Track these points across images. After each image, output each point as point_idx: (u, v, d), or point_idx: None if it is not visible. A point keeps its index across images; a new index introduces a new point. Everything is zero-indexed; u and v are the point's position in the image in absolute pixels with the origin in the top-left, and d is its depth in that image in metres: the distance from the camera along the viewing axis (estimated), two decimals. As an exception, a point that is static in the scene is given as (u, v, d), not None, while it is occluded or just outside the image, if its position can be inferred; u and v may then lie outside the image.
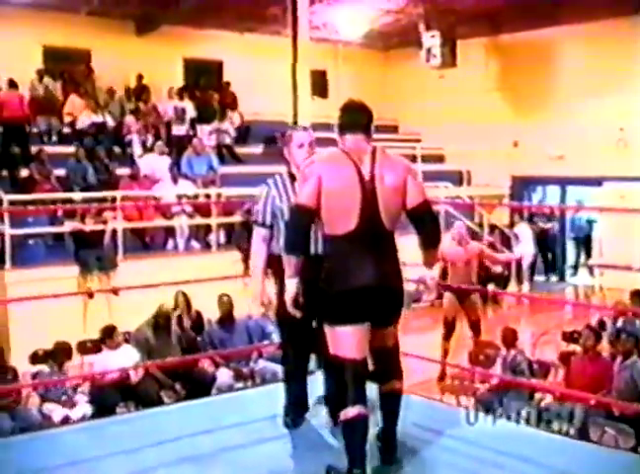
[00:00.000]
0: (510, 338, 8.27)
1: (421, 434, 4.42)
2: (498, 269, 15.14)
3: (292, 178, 4.38)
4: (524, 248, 15.34)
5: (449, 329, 9.69)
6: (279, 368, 8.66)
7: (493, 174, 16.98)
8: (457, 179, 17.40)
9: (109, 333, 8.31)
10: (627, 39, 14.61)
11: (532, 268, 15.84)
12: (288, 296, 3.87)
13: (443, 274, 10.08)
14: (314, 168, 3.80)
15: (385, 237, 3.79)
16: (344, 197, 3.69)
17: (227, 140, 15.44)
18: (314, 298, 3.87)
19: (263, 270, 4.44)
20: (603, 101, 15.05)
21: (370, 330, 3.83)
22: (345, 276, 3.72)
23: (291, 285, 3.86)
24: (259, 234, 4.42)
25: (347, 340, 3.75)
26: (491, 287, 13.86)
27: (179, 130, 14.71)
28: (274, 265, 4.37)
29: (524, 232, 15.62)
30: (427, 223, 3.85)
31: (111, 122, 14.17)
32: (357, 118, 3.88)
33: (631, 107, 14.81)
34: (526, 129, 16.48)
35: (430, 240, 3.89)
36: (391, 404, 3.99)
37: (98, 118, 13.89)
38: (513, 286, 15.16)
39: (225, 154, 15.25)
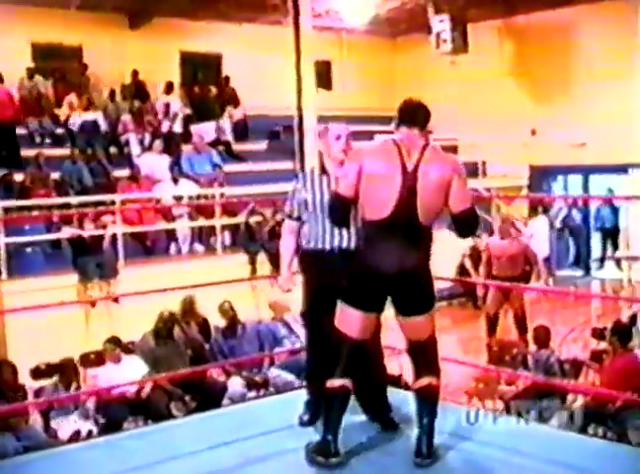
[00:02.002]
0: (542, 336, 8.21)
1: (448, 441, 4.38)
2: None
3: (323, 171, 4.57)
4: (538, 242, 15.29)
5: (492, 324, 9.70)
6: (293, 376, 8.68)
7: (510, 164, 16.94)
8: (472, 170, 17.32)
9: (110, 345, 8.29)
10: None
11: (549, 261, 15.74)
12: None
13: (488, 265, 10.16)
14: (358, 154, 4.10)
15: (418, 230, 4.01)
16: (383, 184, 3.94)
17: (226, 138, 15.40)
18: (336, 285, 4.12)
19: (290, 259, 4.68)
20: (627, 83, 14.94)
21: (399, 321, 4.14)
22: (368, 261, 4.03)
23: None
24: (287, 226, 4.70)
25: (353, 321, 4.07)
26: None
27: (174, 128, 14.69)
28: (302, 259, 4.64)
29: (540, 226, 15.57)
30: (465, 230, 4.16)
31: (102, 121, 14.08)
32: (415, 112, 4.11)
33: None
34: (545, 116, 16.41)
35: (467, 236, 4.24)
36: (422, 403, 4.13)
37: (90, 117, 13.85)
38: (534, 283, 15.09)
39: (222, 152, 15.20)
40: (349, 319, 4.08)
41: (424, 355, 4.16)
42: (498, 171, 17.28)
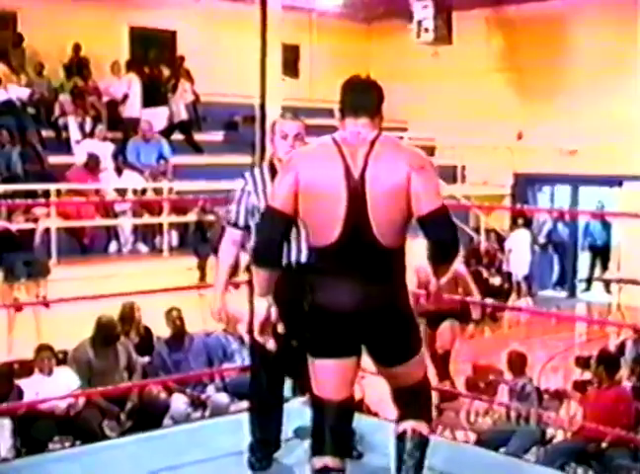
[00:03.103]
0: (518, 363, 8.27)
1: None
2: (496, 280, 15.29)
3: (274, 171, 4.29)
4: (517, 258, 15.45)
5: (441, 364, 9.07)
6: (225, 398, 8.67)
7: (492, 170, 17.07)
8: (450, 175, 17.44)
9: (46, 353, 8.21)
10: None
11: (528, 280, 15.88)
12: (256, 320, 3.69)
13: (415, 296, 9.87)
14: (292, 162, 3.59)
15: (379, 254, 3.47)
16: (325, 200, 3.45)
17: (181, 118, 15.29)
18: (295, 316, 3.71)
19: (226, 278, 4.48)
20: (625, 85, 15.14)
21: (379, 369, 3.70)
22: (321, 298, 3.54)
23: (260, 306, 3.67)
24: (229, 236, 4.45)
25: (324, 375, 3.60)
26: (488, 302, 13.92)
27: (128, 112, 14.60)
28: (250, 274, 4.37)
29: (521, 240, 15.70)
30: (440, 233, 3.47)
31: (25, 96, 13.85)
32: (360, 97, 3.60)
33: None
34: (533, 118, 16.56)
35: (442, 254, 3.54)
36: (405, 449, 3.67)
37: (21, 93, 13.68)
38: (514, 301, 15.24)
39: (175, 140, 15.14)
40: (318, 375, 3.61)
41: (413, 399, 3.71)
42: (478, 177, 17.41)
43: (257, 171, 4.50)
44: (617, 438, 6.90)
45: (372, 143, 3.48)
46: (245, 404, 8.31)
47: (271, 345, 3.75)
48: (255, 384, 4.62)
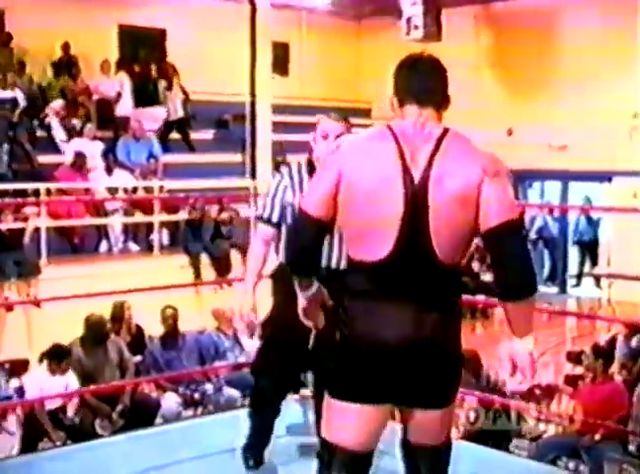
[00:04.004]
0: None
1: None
2: (488, 277, 15.29)
3: (312, 169, 4.15)
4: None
5: None
6: (235, 393, 8.70)
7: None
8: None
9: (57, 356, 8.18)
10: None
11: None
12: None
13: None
14: (335, 157, 3.01)
15: (435, 274, 2.87)
16: (375, 207, 2.84)
17: (178, 116, 15.27)
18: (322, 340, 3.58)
19: (258, 274, 4.26)
20: (615, 81, 15.18)
21: (405, 414, 3.04)
22: (360, 328, 2.90)
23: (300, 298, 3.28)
24: (261, 232, 4.27)
25: (343, 420, 2.95)
26: (481, 299, 13.94)
27: (119, 111, 14.58)
28: (275, 272, 4.28)
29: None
30: (510, 256, 2.86)
31: (22, 99, 13.87)
32: (426, 81, 2.97)
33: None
34: (523, 114, 16.57)
35: (514, 285, 2.87)
36: None
37: (8, 95, 13.65)
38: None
39: (168, 139, 15.14)
40: (340, 420, 2.97)
41: (433, 465, 3.10)
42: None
43: (294, 167, 4.31)
44: (610, 432, 6.93)
45: (439, 140, 2.89)
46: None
47: (321, 320, 3.42)
48: (263, 376, 4.44)
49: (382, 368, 2.87)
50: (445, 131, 2.91)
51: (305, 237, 3.02)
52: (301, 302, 3.27)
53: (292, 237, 3.30)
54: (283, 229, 4.17)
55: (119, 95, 14.59)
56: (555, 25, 16.35)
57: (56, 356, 8.10)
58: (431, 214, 2.81)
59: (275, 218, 4.20)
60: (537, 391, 8.16)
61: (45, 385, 7.85)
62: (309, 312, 3.29)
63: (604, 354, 8.02)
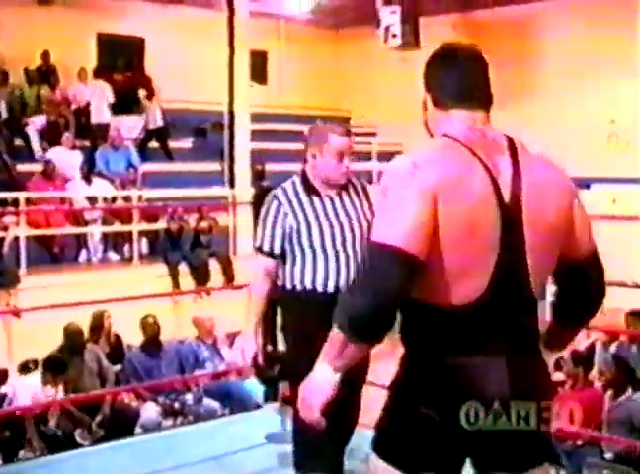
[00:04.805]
0: None
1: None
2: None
3: (310, 190, 3.96)
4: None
5: None
6: (215, 404, 8.71)
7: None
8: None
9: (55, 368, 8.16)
10: (619, 16, 14.85)
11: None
12: (315, 397, 2.38)
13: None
14: (423, 176, 2.29)
15: (530, 313, 2.43)
16: (474, 236, 2.29)
17: (157, 125, 15.26)
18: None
19: (261, 315, 4.06)
20: (593, 89, 15.29)
21: None
22: (450, 392, 2.33)
23: (325, 377, 2.35)
24: (262, 265, 3.96)
25: None
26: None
27: (96, 119, 14.58)
28: (291, 303, 4.00)
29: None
30: (597, 287, 2.57)
31: (4, 110, 13.88)
32: (473, 77, 2.49)
33: (625, 95, 14.98)
34: (500, 121, 16.19)
35: (593, 313, 2.62)
36: None
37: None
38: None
39: (148, 149, 15.15)
40: None
41: None
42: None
43: (289, 188, 3.97)
44: (590, 438, 6.98)
45: (513, 152, 2.40)
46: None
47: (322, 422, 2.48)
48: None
49: (471, 437, 2.34)
50: (511, 140, 2.43)
51: (394, 283, 2.22)
52: (319, 393, 2.36)
53: (364, 286, 2.27)
54: (289, 258, 3.92)
55: (96, 103, 14.58)
56: (533, 33, 16.46)
57: (55, 369, 8.09)
58: (527, 242, 2.32)
59: (277, 249, 3.91)
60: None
61: (37, 394, 7.87)
62: (322, 408, 2.39)
63: (583, 360, 8.08)
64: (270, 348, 4.37)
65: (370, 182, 17.31)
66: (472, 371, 2.32)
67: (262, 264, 3.95)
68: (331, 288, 3.83)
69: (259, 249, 3.95)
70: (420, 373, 2.38)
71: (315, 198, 3.94)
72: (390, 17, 15.61)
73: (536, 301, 2.42)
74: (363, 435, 4.14)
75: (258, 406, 4.91)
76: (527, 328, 2.41)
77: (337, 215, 3.94)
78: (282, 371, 4.43)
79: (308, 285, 3.88)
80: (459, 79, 2.45)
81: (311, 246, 3.88)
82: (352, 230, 3.94)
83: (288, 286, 3.92)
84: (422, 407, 2.34)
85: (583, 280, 2.52)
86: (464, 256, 2.28)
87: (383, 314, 2.24)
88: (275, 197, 3.93)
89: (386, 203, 2.34)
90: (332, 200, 3.96)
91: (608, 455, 7.04)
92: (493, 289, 2.30)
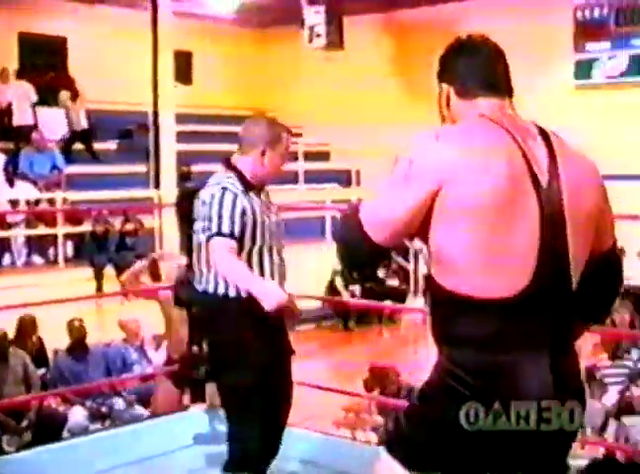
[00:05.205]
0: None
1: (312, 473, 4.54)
2: (394, 282, 15.54)
3: (248, 187, 3.90)
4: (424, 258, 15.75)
5: None
6: (141, 409, 8.68)
7: (387, 174, 17.23)
8: (345, 179, 17.67)
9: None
10: (541, 15, 15.11)
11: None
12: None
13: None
14: (440, 151, 2.26)
15: (569, 308, 2.29)
16: (509, 223, 2.18)
17: (81, 127, 15.12)
18: None
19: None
20: (519, 86, 15.49)
21: None
22: (490, 393, 2.20)
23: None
24: (224, 246, 3.76)
25: None
26: (388, 303, 14.15)
27: (18, 120, 14.40)
28: (243, 310, 3.84)
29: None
30: (618, 280, 2.52)
31: None
32: (496, 67, 2.47)
33: (549, 96, 15.21)
34: (426, 122, 16.49)
35: (602, 308, 2.55)
36: None
37: None
38: (411, 303, 15.49)
39: (73, 150, 15.00)
40: None
41: None
42: (373, 181, 17.59)
43: (232, 184, 3.86)
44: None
45: (546, 138, 2.32)
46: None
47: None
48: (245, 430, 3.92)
49: (514, 446, 2.25)
50: (541, 128, 2.35)
51: (360, 254, 2.41)
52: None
53: (343, 247, 2.48)
54: (246, 245, 3.83)
55: (19, 104, 14.41)
56: (457, 32, 16.44)
57: None
58: (569, 232, 2.23)
59: (237, 233, 3.77)
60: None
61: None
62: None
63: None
64: (195, 349, 4.38)
65: (296, 182, 17.50)
66: (514, 370, 2.19)
67: (224, 244, 3.75)
68: None
69: (218, 233, 3.74)
70: (454, 373, 2.23)
71: (254, 197, 3.90)
72: (314, 17, 15.68)
73: (575, 295, 2.29)
74: (291, 435, 4.23)
75: (186, 407, 4.90)
76: (568, 323, 2.30)
77: (268, 216, 3.95)
78: (208, 373, 4.42)
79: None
80: (484, 67, 2.43)
81: (259, 247, 3.86)
82: (274, 232, 3.97)
83: (231, 293, 3.81)
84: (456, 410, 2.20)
85: (608, 273, 2.44)
86: (499, 247, 2.18)
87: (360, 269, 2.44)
88: (226, 189, 3.81)
89: (390, 178, 2.37)
90: (260, 200, 3.95)
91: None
92: (537, 280, 2.18)
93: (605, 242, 2.39)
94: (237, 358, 3.84)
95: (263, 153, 3.89)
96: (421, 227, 2.25)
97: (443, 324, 2.30)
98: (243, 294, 3.79)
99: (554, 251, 2.20)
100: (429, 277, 2.36)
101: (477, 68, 2.42)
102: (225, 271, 3.77)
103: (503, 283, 2.18)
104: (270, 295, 3.68)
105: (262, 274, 3.85)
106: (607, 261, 2.41)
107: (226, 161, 3.99)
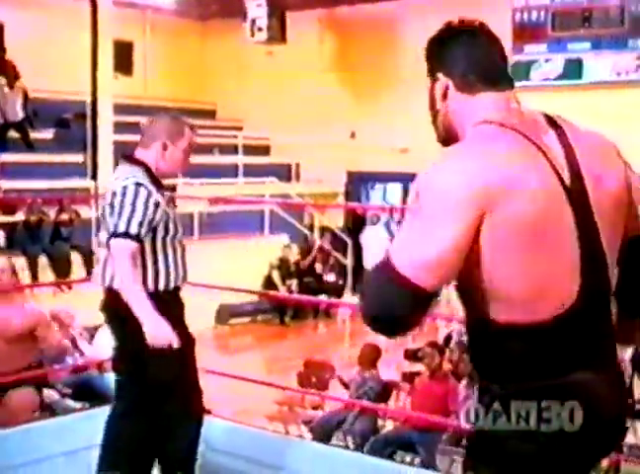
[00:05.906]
0: (371, 356, 8.35)
1: (244, 467, 4.50)
2: (331, 277, 15.57)
3: (156, 182, 3.87)
4: (370, 254, 15.74)
5: None
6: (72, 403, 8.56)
7: (326, 168, 17.26)
8: (285, 173, 17.65)
9: None
10: (484, 14, 15.19)
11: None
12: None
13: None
14: (470, 179, 2.00)
15: (610, 316, 2.16)
16: (551, 242, 2.02)
17: (17, 118, 14.85)
18: None
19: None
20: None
21: None
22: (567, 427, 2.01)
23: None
24: (127, 250, 3.67)
25: None
26: (323, 298, 14.18)
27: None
28: (168, 303, 3.84)
29: (371, 237, 15.98)
30: None
31: None
32: (496, 55, 2.23)
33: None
34: (366, 117, 16.88)
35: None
36: None
37: None
38: (348, 298, 15.53)
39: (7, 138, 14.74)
40: None
41: None
42: (313, 175, 17.64)
43: (144, 179, 3.81)
44: (444, 425, 7.18)
45: (553, 125, 2.14)
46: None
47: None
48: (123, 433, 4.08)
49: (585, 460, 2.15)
50: (547, 115, 2.16)
51: (399, 309, 2.02)
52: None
53: (376, 304, 2.07)
54: (147, 246, 3.78)
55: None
56: (397, 29, 16.73)
57: None
58: (599, 227, 2.06)
59: (142, 236, 3.71)
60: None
61: None
62: None
63: (440, 350, 8.27)
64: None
65: (236, 175, 17.44)
66: (584, 392, 2.03)
67: (127, 248, 3.66)
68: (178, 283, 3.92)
69: (125, 234, 3.65)
70: (512, 407, 2.03)
71: (160, 190, 3.87)
72: (256, 10, 15.71)
73: (616, 293, 2.14)
74: (222, 428, 4.20)
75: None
76: (611, 337, 2.14)
77: (173, 209, 4.00)
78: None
79: (171, 284, 3.85)
80: (485, 57, 2.20)
81: (171, 241, 3.86)
82: (178, 222, 3.98)
83: (150, 287, 3.77)
84: (518, 444, 2.04)
85: (634, 261, 2.21)
86: (546, 269, 2.01)
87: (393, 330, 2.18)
88: (140, 185, 3.74)
89: (417, 215, 2.04)
90: (163, 193, 3.93)
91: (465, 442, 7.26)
92: (585, 293, 2.02)
93: (636, 227, 2.20)
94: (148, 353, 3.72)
95: (164, 147, 3.87)
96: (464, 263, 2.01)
97: (489, 355, 2.11)
98: (172, 285, 3.85)
99: (594, 256, 2.05)
100: (470, 321, 2.16)
101: (478, 58, 2.19)
102: (123, 287, 3.69)
103: (550, 303, 2.02)
104: (159, 336, 3.60)
105: (166, 260, 3.83)
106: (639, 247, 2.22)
107: (129, 156, 3.98)
